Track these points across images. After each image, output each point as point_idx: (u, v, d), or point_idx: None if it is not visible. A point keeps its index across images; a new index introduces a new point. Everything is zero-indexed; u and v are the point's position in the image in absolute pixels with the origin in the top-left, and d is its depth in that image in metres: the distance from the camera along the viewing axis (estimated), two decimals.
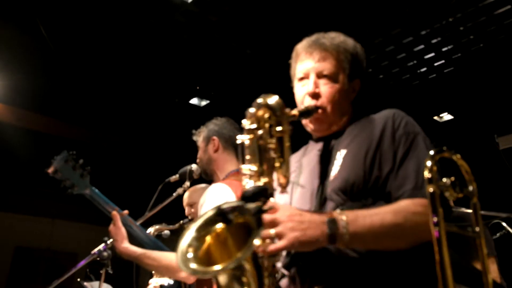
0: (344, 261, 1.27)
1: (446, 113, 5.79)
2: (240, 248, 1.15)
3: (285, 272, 1.37)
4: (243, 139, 1.32)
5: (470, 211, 1.08)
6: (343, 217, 1.18)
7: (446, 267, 0.94)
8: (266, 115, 1.30)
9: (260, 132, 1.29)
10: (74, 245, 7.32)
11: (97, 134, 6.04)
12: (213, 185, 2.17)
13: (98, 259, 2.41)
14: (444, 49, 4.62)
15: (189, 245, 1.20)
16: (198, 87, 5.41)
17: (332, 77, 1.50)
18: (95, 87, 5.29)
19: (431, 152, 1.02)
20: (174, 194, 2.58)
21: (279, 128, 1.26)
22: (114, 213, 2.26)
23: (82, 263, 2.46)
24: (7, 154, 5.75)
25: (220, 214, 1.22)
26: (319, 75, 1.51)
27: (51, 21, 4.29)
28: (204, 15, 4.21)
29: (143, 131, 6.19)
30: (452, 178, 1.03)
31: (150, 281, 3.34)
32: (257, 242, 1.12)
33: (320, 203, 1.38)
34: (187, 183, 2.50)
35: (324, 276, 1.29)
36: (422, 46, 4.58)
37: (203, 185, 3.29)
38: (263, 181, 1.27)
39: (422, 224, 1.15)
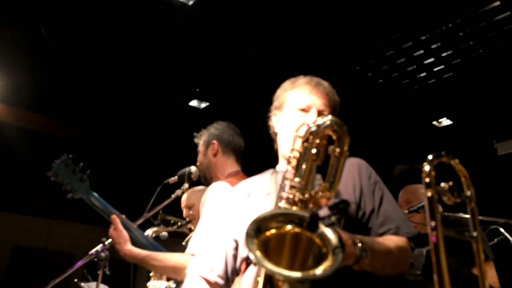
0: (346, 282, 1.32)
1: (445, 118, 5.80)
2: (304, 263, 1.09)
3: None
4: (296, 148, 1.33)
5: (467, 216, 1.09)
6: (364, 241, 1.25)
7: (444, 272, 0.94)
8: (330, 133, 1.33)
9: (314, 149, 1.29)
10: (71, 246, 7.32)
11: (97, 135, 6.04)
12: (214, 184, 2.19)
13: (95, 259, 2.41)
14: (443, 55, 4.63)
15: (262, 224, 1.11)
16: (198, 89, 5.41)
17: None
18: (95, 88, 5.29)
19: (430, 157, 1.02)
20: (173, 196, 2.58)
21: (338, 150, 1.29)
22: (114, 217, 2.26)
23: (80, 263, 2.46)
24: (6, 154, 5.75)
25: (313, 218, 1.09)
26: (319, 113, 1.60)
27: (52, 22, 4.30)
28: (204, 17, 4.22)
29: (143, 132, 6.19)
30: (450, 183, 1.03)
31: (148, 284, 3.33)
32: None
33: None
34: (186, 185, 2.51)
35: None
36: (421, 51, 4.59)
37: (201, 187, 3.28)
38: (302, 195, 1.25)
39: (406, 259, 1.40)
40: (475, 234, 1.02)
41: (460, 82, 5.02)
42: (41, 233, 7.47)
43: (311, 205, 1.25)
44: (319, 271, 1.01)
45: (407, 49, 4.56)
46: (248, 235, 1.06)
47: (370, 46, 4.53)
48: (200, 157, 2.45)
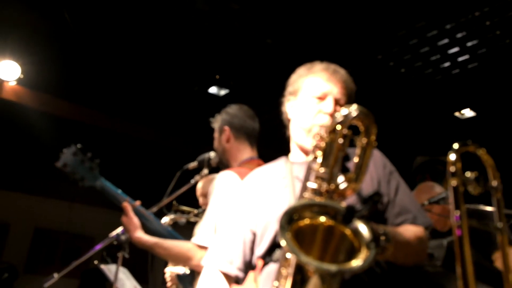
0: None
1: (468, 109, 5.68)
2: (336, 256, 1.07)
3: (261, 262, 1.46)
4: (322, 139, 1.30)
5: (491, 208, 1.07)
6: (388, 231, 1.24)
7: (468, 264, 0.93)
8: (358, 123, 1.29)
9: (341, 140, 1.28)
10: (91, 229, 7.44)
11: (117, 120, 6.10)
12: (222, 173, 2.17)
13: (115, 242, 2.44)
14: (469, 44, 4.52)
15: (294, 214, 1.08)
16: (217, 76, 5.40)
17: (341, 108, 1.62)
18: (115, 74, 5.33)
19: (455, 145, 1.00)
20: (192, 181, 2.59)
21: (365, 140, 1.27)
22: (125, 204, 2.27)
23: (100, 246, 2.50)
24: (28, 138, 5.85)
25: (349, 211, 1.06)
26: (337, 102, 1.59)
27: (74, 7, 4.33)
28: (226, 3, 4.19)
29: (162, 119, 6.23)
30: (476, 173, 1.01)
31: (166, 269, 3.38)
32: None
33: None
34: (205, 171, 2.51)
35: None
36: (446, 40, 4.49)
37: (216, 175, 3.30)
38: (328, 186, 1.23)
39: (424, 248, 1.42)
40: (500, 225, 0.99)
41: (485, 72, 4.90)
42: (62, 216, 7.60)
43: (336, 196, 1.22)
44: (354, 264, 0.98)
45: (432, 38, 4.46)
46: (282, 227, 1.02)
47: (393, 34, 4.45)
48: (215, 144, 2.44)
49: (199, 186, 3.21)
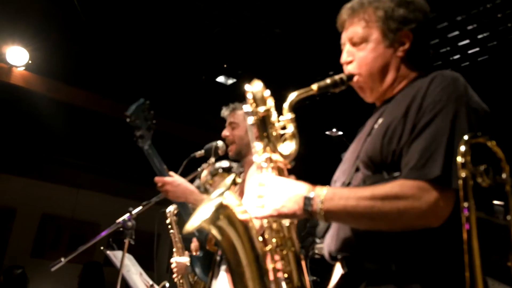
0: (368, 234, 1.28)
1: None
2: None
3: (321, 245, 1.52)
4: (251, 120, 1.37)
5: (500, 202, 1.06)
6: (321, 194, 1.22)
7: (475, 255, 0.92)
8: (252, 100, 1.38)
9: (257, 114, 1.36)
10: (97, 216, 7.49)
11: (123, 107, 6.09)
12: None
13: (121, 228, 2.46)
14: (479, 36, 4.47)
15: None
16: (225, 65, 5.39)
17: (363, 40, 1.43)
18: (124, 61, 5.33)
19: (466, 137, 0.99)
20: (199, 170, 2.60)
21: (260, 109, 1.34)
22: (172, 173, 2.24)
23: (106, 232, 2.52)
24: (36, 123, 5.87)
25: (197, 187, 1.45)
26: (352, 42, 1.46)
27: None
28: None
29: (169, 107, 6.23)
30: (485, 165, 1.00)
31: (172, 260, 3.40)
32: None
33: (353, 175, 1.39)
34: (212, 159, 2.52)
35: (348, 246, 1.33)
36: (457, 32, 4.44)
37: (223, 162, 3.30)
38: (264, 156, 1.35)
39: (403, 210, 1.14)
40: (509, 218, 0.99)
41: (495, 65, 4.85)
42: (69, 202, 7.66)
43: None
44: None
45: (442, 29, 4.41)
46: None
47: None
48: (239, 132, 2.43)
49: (203, 174, 3.22)
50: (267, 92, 1.37)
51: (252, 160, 2.25)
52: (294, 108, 1.35)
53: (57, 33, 4.83)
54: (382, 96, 1.46)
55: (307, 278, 1.36)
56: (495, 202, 2.22)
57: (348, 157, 1.47)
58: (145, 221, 3.34)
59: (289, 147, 1.31)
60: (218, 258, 2.43)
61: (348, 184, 1.38)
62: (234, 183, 1.32)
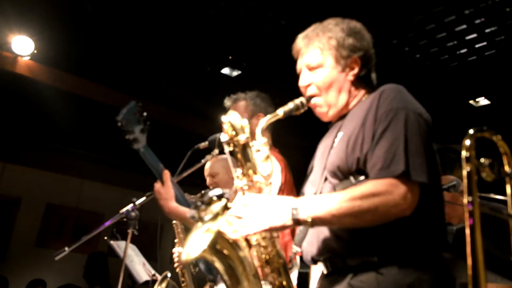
0: (345, 233, 1.43)
1: (483, 97, 5.60)
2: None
3: (298, 248, 1.62)
4: (226, 149, 1.52)
5: (505, 198, 1.05)
6: (305, 203, 1.34)
7: (478, 251, 0.92)
8: (231, 129, 1.50)
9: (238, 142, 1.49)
10: (101, 206, 7.53)
11: (127, 98, 6.10)
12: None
13: (125, 219, 2.46)
14: (487, 31, 4.43)
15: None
16: (230, 57, 5.37)
17: (319, 65, 1.62)
18: (129, 52, 5.32)
19: (471, 131, 0.99)
20: (203, 161, 2.60)
21: (241, 138, 1.47)
22: (167, 172, 2.23)
23: (110, 222, 2.52)
24: (41, 113, 5.89)
25: (191, 217, 1.52)
26: (309, 68, 1.64)
27: None
28: None
29: (174, 98, 6.23)
30: (490, 159, 1.00)
31: (173, 250, 3.41)
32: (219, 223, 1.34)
33: (322, 185, 1.55)
34: (216, 151, 2.51)
35: (329, 248, 1.47)
36: (464, 26, 4.40)
37: (225, 156, 3.29)
38: (244, 180, 1.47)
39: (380, 204, 1.30)
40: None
41: (502, 60, 4.81)
42: (73, 192, 7.70)
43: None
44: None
45: (449, 23, 4.37)
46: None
47: (409, 19, 4.37)
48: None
49: (207, 166, 3.22)
50: (245, 121, 1.50)
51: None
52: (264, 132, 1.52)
53: (63, 23, 4.82)
54: (338, 114, 1.65)
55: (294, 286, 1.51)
56: (498, 197, 2.21)
57: (316, 170, 1.65)
58: (149, 212, 3.35)
59: (266, 168, 1.45)
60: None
61: (320, 193, 1.54)
62: (226, 207, 1.38)
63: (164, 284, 3.23)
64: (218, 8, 4.49)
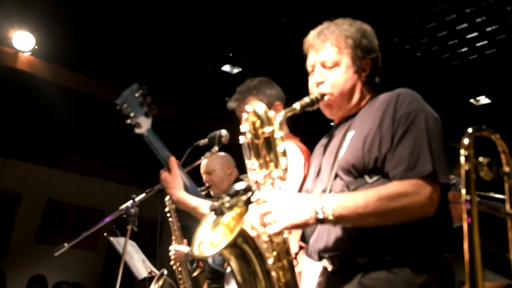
0: (352, 232, 1.43)
1: (484, 96, 5.59)
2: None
3: (303, 244, 1.62)
4: (243, 139, 1.47)
5: (503, 196, 1.06)
6: (330, 201, 1.34)
7: (476, 249, 0.92)
8: (255, 120, 1.45)
9: (250, 134, 1.46)
10: (101, 203, 7.53)
11: None
12: (290, 144, 2.16)
13: (125, 215, 2.46)
14: (488, 29, 4.43)
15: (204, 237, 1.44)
16: (231, 54, 5.37)
17: (335, 64, 1.62)
18: (129, 50, 5.32)
19: (470, 130, 0.99)
20: (202, 158, 2.60)
21: (267, 130, 1.41)
22: (173, 158, 2.08)
23: (109, 218, 2.52)
24: (41, 109, 5.89)
25: (212, 209, 1.45)
26: (324, 65, 1.63)
27: None
28: None
29: (174, 95, 6.23)
30: (488, 158, 1.00)
31: (170, 247, 3.42)
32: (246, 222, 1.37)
33: (332, 182, 1.54)
34: (216, 148, 2.51)
35: (339, 245, 1.46)
36: (465, 25, 4.40)
37: (222, 153, 3.30)
38: (262, 173, 1.43)
39: (408, 205, 1.32)
40: (511, 210, 0.99)
41: (503, 59, 4.81)
42: (73, 188, 7.70)
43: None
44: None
45: (450, 21, 4.37)
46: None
47: (410, 17, 4.37)
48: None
49: (203, 163, 3.21)
50: (272, 112, 1.44)
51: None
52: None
53: (64, 19, 4.82)
54: (347, 113, 1.66)
55: (299, 283, 1.51)
56: (497, 195, 2.22)
57: (323, 167, 1.65)
58: (149, 209, 3.36)
59: (284, 162, 1.41)
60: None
61: (330, 191, 1.53)
62: (249, 202, 1.37)
63: (161, 282, 3.24)
64: (218, 6, 4.48)
